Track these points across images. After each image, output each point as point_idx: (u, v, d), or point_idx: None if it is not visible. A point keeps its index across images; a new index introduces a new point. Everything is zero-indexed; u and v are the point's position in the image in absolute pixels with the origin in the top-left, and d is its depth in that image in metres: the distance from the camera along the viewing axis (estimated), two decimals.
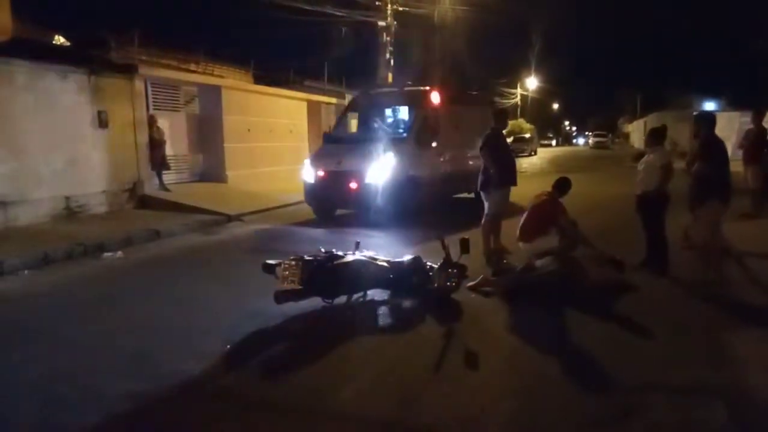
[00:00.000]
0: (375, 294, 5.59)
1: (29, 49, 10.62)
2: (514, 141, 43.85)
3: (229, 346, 4.46)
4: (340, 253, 5.34)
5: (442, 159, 11.42)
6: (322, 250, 5.35)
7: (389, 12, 20.16)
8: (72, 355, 4.37)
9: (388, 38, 20.25)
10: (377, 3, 20.05)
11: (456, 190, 12.34)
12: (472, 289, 5.84)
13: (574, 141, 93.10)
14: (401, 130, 11.34)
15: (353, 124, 13.40)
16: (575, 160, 34.47)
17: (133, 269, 7.38)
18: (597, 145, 55.84)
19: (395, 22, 20.55)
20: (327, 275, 5.00)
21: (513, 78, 55.88)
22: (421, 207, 10.42)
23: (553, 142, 76.52)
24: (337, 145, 11.17)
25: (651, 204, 6.46)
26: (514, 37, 55.81)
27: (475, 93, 15.56)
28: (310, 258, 5.08)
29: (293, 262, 4.98)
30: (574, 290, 5.73)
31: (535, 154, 43.38)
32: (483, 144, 7.41)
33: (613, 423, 3.32)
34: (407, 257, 5.72)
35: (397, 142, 10.45)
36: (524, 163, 31.34)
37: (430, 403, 3.55)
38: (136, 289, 6.35)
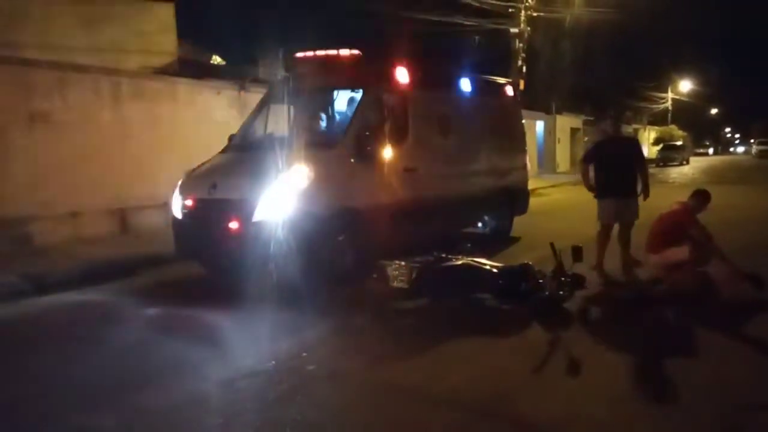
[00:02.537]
0: (483, 298, 5.62)
1: (190, 68, 12.11)
2: (663, 149, 40.87)
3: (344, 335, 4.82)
4: (450, 256, 5.50)
5: (413, 178, 7.26)
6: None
7: (522, 18, 19.88)
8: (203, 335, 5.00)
9: (521, 45, 19.97)
10: (510, 10, 19.88)
11: (450, 224, 8.08)
12: (589, 298, 5.67)
13: (732, 149, 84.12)
14: (338, 130, 7.12)
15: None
16: (733, 171, 31.24)
17: None
18: (761, 155, 49.86)
19: (528, 28, 20.23)
20: (435, 277, 5.19)
21: (663, 81, 51.73)
22: (371, 259, 5.96)
23: (710, 151, 69.88)
24: (231, 156, 7.34)
25: None
26: (665, 37, 51.40)
27: (487, 79, 10.30)
28: (420, 260, 5.32)
29: (403, 263, 5.25)
30: (702, 306, 5.36)
31: (687, 163, 39.97)
32: (583, 156, 7.49)
33: None
34: (517, 263, 5.71)
35: (317, 150, 6.52)
36: (673, 173, 29.21)
37: (524, 401, 3.60)
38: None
